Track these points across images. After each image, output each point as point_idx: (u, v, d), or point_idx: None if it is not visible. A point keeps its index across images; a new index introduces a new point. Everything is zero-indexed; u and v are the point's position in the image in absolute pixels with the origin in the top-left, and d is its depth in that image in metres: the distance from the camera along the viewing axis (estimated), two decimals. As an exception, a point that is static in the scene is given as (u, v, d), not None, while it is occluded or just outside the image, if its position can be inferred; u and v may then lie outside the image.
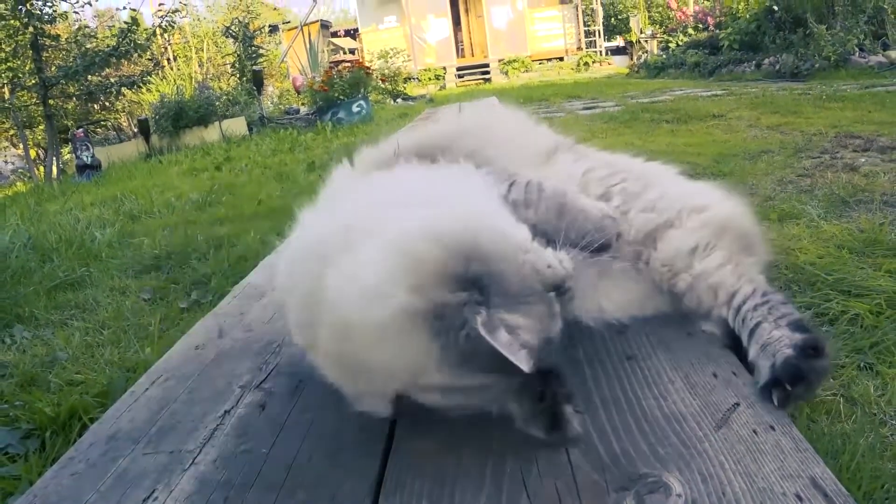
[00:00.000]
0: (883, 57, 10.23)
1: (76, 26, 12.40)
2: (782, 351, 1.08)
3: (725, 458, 0.93)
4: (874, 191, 3.39)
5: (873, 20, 11.18)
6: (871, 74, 9.62)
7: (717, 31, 14.95)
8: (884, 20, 11.22)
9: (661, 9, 23.35)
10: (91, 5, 11.95)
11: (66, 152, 11.78)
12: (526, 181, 1.25)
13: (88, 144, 9.24)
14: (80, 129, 9.95)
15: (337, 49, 23.14)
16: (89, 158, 9.07)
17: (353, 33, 26.16)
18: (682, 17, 18.53)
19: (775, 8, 12.37)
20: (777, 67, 11.48)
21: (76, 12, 11.73)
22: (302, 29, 20.24)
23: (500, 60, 22.46)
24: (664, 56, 17.13)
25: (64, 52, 11.38)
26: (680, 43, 16.96)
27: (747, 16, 13.67)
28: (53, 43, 10.89)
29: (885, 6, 11.27)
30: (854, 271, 2.27)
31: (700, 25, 16.96)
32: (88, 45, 11.20)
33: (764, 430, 0.98)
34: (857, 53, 10.57)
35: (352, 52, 23.46)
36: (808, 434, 1.40)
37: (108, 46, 11.22)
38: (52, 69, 10.73)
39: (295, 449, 1.12)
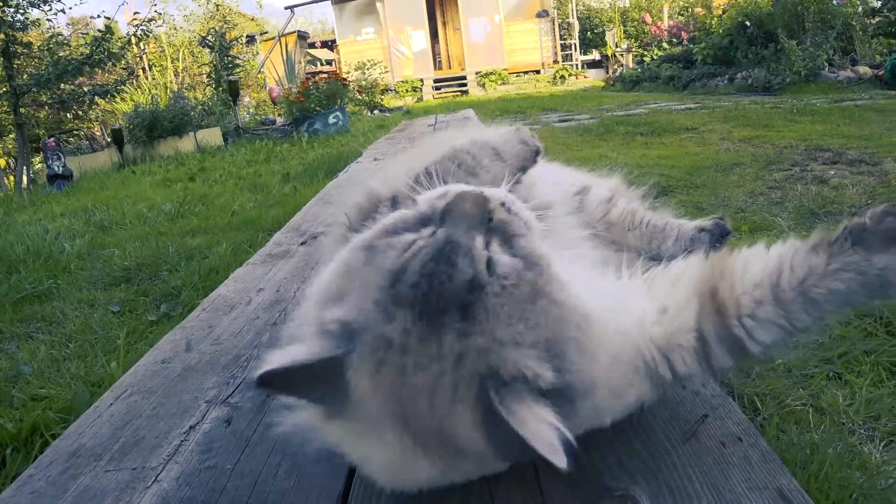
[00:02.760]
0: (851, 72, 10.46)
1: (49, 34, 12.25)
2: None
3: (693, 470, 0.93)
4: (842, 202, 3.45)
5: (842, 36, 11.44)
6: (840, 89, 9.82)
7: (691, 45, 15.18)
8: (852, 36, 11.49)
9: (636, 23, 23.62)
10: (65, 13, 11.83)
11: (36, 162, 11.61)
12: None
13: (60, 154, 9.09)
14: (52, 139, 9.78)
15: (314, 60, 23.11)
16: (60, 168, 8.93)
17: (330, 44, 26.13)
18: (657, 32, 18.78)
19: (747, 24, 12.60)
20: (749, 81, 11.67)
21: (49, 20, 11.63)
22: (279, 40, 20.21)
23: (477, 73, 22.56)
24: (639, 70, 17.33)
25: (36, 60, 11.25)
26: (655, 57, 17.19)
27: (720, 31, 13.90)
28: (25, 50, 10.76)
29: (854, 23, 11.54)
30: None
31: (674, 40, 17.21)
32: (61, 53, 11.07)
33: (731, 441, 0.98)
34: (827, 68, 10.79)
35: (329, 63, 23.44)
36: (777, 444, 1.41)
37: (81, 55, 11.11)
38: (24, 77, 10.60)
39: (261, 464, 1.10)
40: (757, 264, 0.95)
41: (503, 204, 0.83)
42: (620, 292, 0.99)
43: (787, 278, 0.91)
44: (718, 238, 1.40)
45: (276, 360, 0.73)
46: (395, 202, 1.11)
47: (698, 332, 0.93)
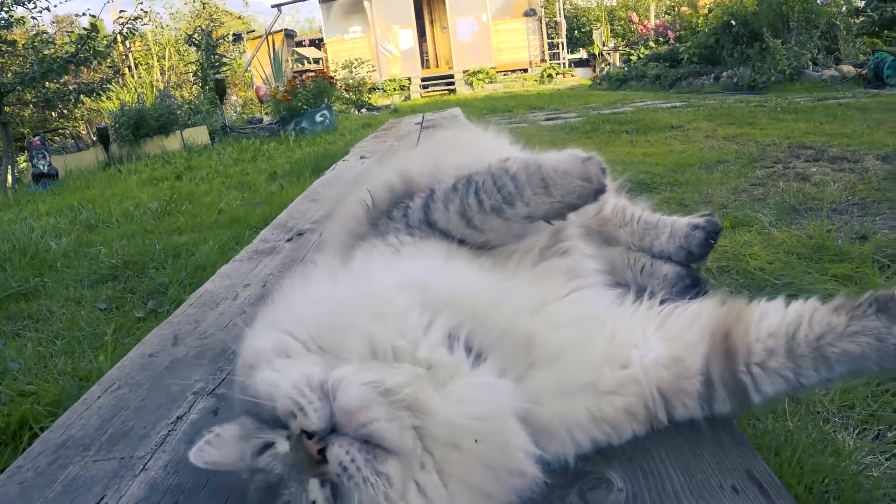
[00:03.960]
0: (835, 71, 10.56)
1: (34, 32, 12.16)
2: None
3: (666, 454, 0.96)
4: (823, 199, 3.50)
5: (826, 35, 11.55)
6: (823, 87, 9.92)
7: (678, 44, 15.28)
8: (836, 35, 11.60)
9: (623, 22, 23.74)
10: (49, 11, 11.76)
11: (21, 161, 11.52)
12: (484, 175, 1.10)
13: (45, 153, 9.04)
14: (37, 137, 9.72)
15: (301, 59, 23.03)
16: (46, 167, 8.88)
17: (318, 43, 26.06)
18: (644, 31, 18.87)
19: (733, 23, 12.69)
20: (735, 80, 11.77)
21: (34, 18, 11.54)
22: (266, 38, 20.12)
23: (464, 72, 22.59)
24: (626, 68, 17.42)
25: (21, 59, 11.17)
26: (641, 56, 17.28)
27: (706, 30, 13.99)
28: (9, 49, 10.69)
29: (838, 22, 11.65)
30: (802, 276, 2.35)
31: (661, 39, 17.30)
32: (46, 52, 10.98)
33: (705, 426, 1.01)
34: (811, 67, 10.90)
35: (316, 61, 23.38)
36: (753, 432, 1.44)
37: (66, 53, 11.02)
38: (9, 75, 10.51)
39: (247, 453, 1.12)
40: (775, 315, 0.96)
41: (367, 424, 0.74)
42: (631, 326, 1.00)
43: (805, 332, 0.91)
44: (712, 234, 1.42)
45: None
46: (431, 196, 1.09)
47: (705, 376, 0.95)
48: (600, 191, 1.04)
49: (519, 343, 0.91)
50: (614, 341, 0.97)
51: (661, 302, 1.04)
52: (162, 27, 19.86)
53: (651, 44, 17.54)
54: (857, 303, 0.91)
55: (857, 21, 12.59)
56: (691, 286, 1.40)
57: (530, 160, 1.06)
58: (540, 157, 1.08)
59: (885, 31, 12.58)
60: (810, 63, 10.95)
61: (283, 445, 0.77)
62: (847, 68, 10.52)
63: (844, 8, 12.25)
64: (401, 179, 1.20)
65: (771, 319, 0.95)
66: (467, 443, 0.78)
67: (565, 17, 24.39)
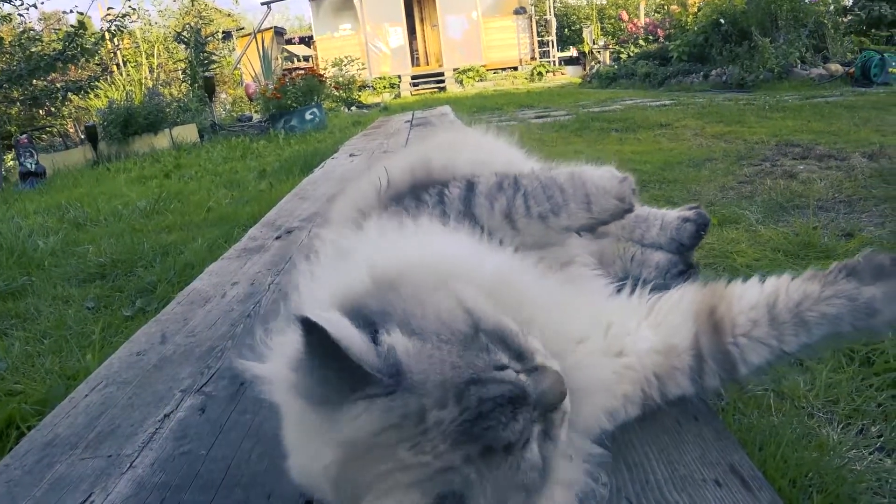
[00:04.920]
0: (823, 69, 10.63)
1: (20, 29, 12.07)
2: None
3: (650, 447, 0.97)
4: (810, 196, 3.53)
5: (814, 34, 11.62)
6: (811, 86, 9.98)
7: (667, 42, 15.32)
8: (824, 34, 11.67)
9: (613, 20, 23.81)
10: (36, 8, 11.67)
11: (9, 159, 11.42)
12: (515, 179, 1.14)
13: (33, 151, 8.96)
14: (24, 136, 9.63)
15: (291, 56, 22.97)
16: (33, 165, 8.80)
17: (307, 41, 25.98)
18: (634, 29, 18.91)
19: (722, 21, 12.74)
20: (724, 78, 11.82)
21: (20, 15, 11.45)
22: (256, 36, 20.05)
23: (454, 69, 22.58)
24: (616, 67, 17.45)
25: (7, 56, 11.07)
26: (631, 54, 17.31)
27: (695, 28, 14.04)
28: (-4, 46, 10.60)
29: (826, 21, 11.73)
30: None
31: (650, 37, 17.34)
32: (33, 49, 10.91)
33: (688, 420, 1.02)
34: (799, 66, 10.96)
35: (306, 59, 23.31)
36: (738, 427, 1.46)
37: (54, 50, 10.96)
38: (-5, 73, 10.44)
39: (234, 449, 1.12)
40: (753, 290, 1.02)
41: (565, 412, 0.79)
42: (625, 317, 1.03)
43: (784, 301, 0.98)
44: (702, 226, 1.45)
45: (334, 323, 0.69)
46: (471, 189, 1.10)
47: (695, 351, 0.99)
48: (629, 210, 1.11)
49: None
50: (610, 333, 1.00)
51: (651, 290, 1.08)
52: (150, 24, 19.82)
53: (641, 42, 17.58)
54: (827, 271, 0.99)
55: (845, 20, 12.70)
56: (683, 271, 1.43)
57: (575, 173, 1.11)
58: (583, 170, 1.13)
59: (873, 30, 12.71)
60: (798, 61, 11.01)
61: (517, 377, 0.74)
62: (835, 67, 10.59)
63: (832, 7, 12.34)
64: (422, 165, 1.21)
65: (750, 294, 1.01)
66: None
67: (555, 15, 24.44)
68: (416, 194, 1.15)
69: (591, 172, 1.12)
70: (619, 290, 1.10)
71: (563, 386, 0.76)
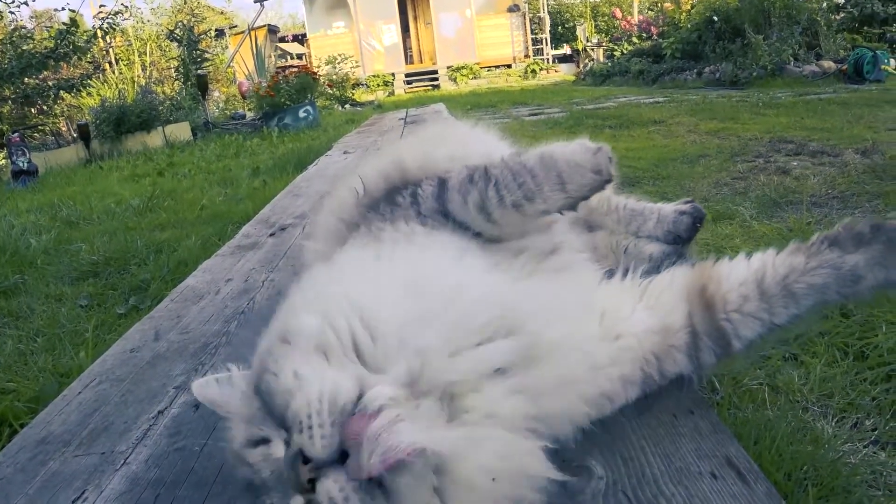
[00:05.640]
0: (816, 66, 10.65)
1: (12, 27, 12.00)
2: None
3: (646, 441, 0.97)
4: (803, 192, 3.53)
5: (807, 31, 11.65)
6: (805, 83, 10.01)
7: (661, 40, 15.33)
8: (817, 31, 11.70)
9: (606, 18, 23.85)
10: (27, 5, 11.60)
11: (0, 157, 11.37)
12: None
13: (25, 149, 8.90)
14: (16, 134, 9.56)
15: (285, 54, 22.92)
16: (25, 164, 8.75)
17: (301, 38, 25.92)
18: (627, 27, 18.94)
19: (715, 18, 12.76)
20: (717, 76, 11.84)
21: (11, 12, 11.39)
22: (249, 33, 20.00)
23: (448, 67, 22.57)
24: (609, 64, 17.47)
25: (-1, 54, 11.00)
26: (625, 51, 17.32)
27: (689, 26, 14.05)
28: (-13, 44, 10.53)
29: (819, 18, 11.76)
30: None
31: (644, 35, 17.36)
32: (25, 47, 10.84)
33: (683, 414, 1.02)
34: (792, 63, 10.98)
35: (300, 57, 23.25)
36: (733, 421, 1.46)
37: (45, 48, 10.89)
38: (-14, 71, 10.37)
39: (228, 446, 1.11)
40: (741, 267, 1.06)
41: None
42: (619, 302, 1.06)
43: (771, 275, 1.01)
44: (698, 219, 1.48)
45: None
46: (443, 185, 1.07)
47: (690, 328, 1.02)
48: (609, 181, 1.06)
49: (526, 343, 0.88)
50: (605, 319, 1.02)
51: (642, 275, 1.11)
52: (143, 22, 19.70)
53: (634, 39, 17.59)
54: (810, 243, 1.03)
55: (838, 17, 12.73)
56: (676, 263, 1.43)
57: (545, 153, 1.05)
58: (553, 149, 1.06)
59: (865, 28, 12.75)
60: (791, 59, 11.04)
61: (278, 449, 0.73)
62: (828, 64, 10.62)
63: (825, 4, 12.38)
64: (395, 167, 1.19)
65: (739, 271, 1.05)
66: (485, 482, 0.73)
67: (549, 12, 24.45)
68: (391, 198, 1.13)
69: (563, 149, 1.05)
70: (610, 276, 1.12)
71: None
